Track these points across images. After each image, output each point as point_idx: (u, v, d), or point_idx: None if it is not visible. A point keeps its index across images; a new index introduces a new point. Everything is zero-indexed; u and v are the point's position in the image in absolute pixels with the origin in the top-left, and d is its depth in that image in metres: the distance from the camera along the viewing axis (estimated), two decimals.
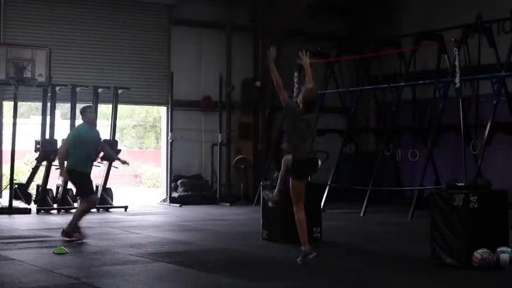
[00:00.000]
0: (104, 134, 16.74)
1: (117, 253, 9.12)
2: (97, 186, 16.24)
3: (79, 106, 15.09)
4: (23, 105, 28.03)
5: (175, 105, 18.09)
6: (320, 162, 12.09)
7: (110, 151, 12.82)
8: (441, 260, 7.96)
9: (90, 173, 10.72)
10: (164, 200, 18.08)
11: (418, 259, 8.49)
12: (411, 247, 9.78)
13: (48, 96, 15.70)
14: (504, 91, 14.33)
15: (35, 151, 15.64)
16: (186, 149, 18.61)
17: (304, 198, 8.44)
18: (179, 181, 18.02)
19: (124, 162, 11.71)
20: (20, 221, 13.36)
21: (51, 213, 15.16)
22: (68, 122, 16.30)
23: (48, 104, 15.82)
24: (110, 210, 15.94)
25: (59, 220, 13.85)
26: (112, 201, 16.34)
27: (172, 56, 18.60)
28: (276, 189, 8.72)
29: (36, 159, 15.67)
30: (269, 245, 9.96)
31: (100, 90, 16.55)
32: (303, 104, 8.27)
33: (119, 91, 16.76)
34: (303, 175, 8.40)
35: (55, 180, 16.39)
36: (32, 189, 15.73)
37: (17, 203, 15.25)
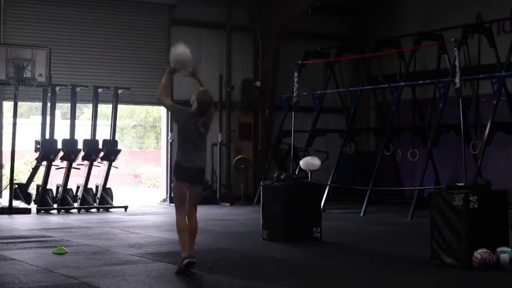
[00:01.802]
0: (104, 134, 16.81)
1: (117, 253, 9.12)
2: (97, 186, 16.28)
3: (79, 106, 15.13)
4: (23, 105, 28.04)
5: None
6: (318, 162, 12.11)
7: None
8: (442, 260, 7.96)
9: None
10: (164, 200, 18.08)
11: (418, 259, 8.48)
12: (411, 247, 9.78)
13: (48, 96, 15.69)
14: (504, 91, 14.33)
15: (35, 151, 15.63)
16: None
17: (191, 205, 7.72)
18: None
19: None
20: (20, 221, 13.36)
21: (51, 213, 15.16)
22: (68, 122, 16.30)
23: (48, 104, 15.82)
24: (110, 210, 15.94)
25: (59, 220, 13.87)
26: (112, 201, 16.33)
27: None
28: None
29: (36, 159, 15.67)
30: (269, 245, 9.96)
31: (100, 90, 16.55)
32: (197, 105, 8.09)
33: (119, 91, 16.76)
34: (185, 178, 7.76)
35: (55, 180, 16.42)
36: (32, 189, 15.73)
37: (17, 203, 15.25)
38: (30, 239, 10.54)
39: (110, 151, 16.21)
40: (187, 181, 7.75)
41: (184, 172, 7.76)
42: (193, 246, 7.72)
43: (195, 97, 8.21)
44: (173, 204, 17.52)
